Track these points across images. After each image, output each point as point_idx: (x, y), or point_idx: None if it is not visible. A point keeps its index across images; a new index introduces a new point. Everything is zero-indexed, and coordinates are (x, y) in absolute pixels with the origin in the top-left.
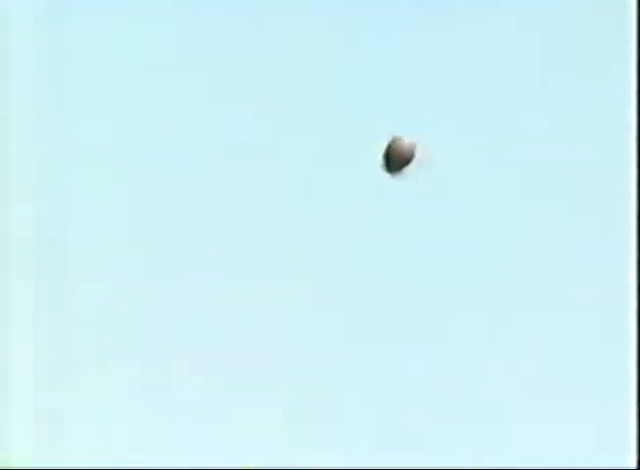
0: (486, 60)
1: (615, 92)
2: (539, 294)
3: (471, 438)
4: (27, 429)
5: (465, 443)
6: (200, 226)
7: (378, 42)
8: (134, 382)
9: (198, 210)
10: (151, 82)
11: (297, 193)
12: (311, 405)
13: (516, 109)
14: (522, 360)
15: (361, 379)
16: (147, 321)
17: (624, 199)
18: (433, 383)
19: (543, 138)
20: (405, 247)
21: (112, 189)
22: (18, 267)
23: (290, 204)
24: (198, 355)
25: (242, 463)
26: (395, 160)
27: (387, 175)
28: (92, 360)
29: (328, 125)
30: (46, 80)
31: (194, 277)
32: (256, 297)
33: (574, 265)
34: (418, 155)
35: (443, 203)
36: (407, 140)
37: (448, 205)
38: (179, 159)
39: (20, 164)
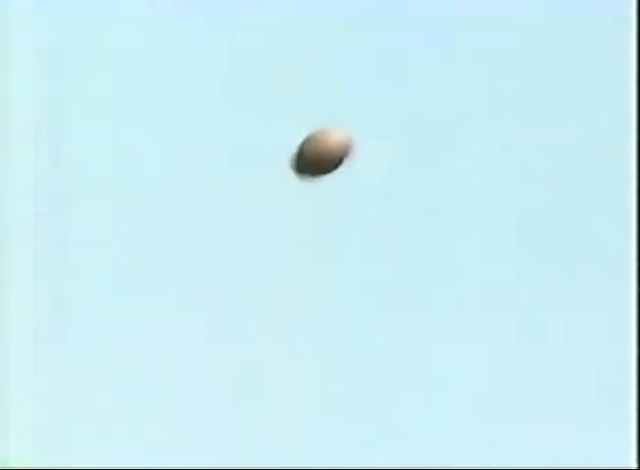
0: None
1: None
2: (537, 298)
3: (471, 439)
4: (27, 429)
5: (466, 443)
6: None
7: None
8: (135, 380)
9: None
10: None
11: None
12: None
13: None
14: (521, 361)
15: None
16: (142, 333)
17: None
18: (432, 381)
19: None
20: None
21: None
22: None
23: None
24: (198, 357)
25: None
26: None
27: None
28: (92, 358)
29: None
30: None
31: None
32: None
33: (572, 266)
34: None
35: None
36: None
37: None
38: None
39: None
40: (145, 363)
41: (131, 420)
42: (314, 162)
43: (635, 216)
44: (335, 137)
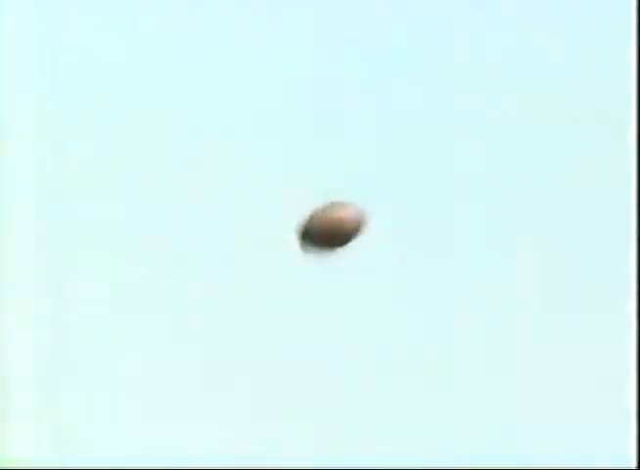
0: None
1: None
2: (536, 306)
3: (471, 438)
4: (27, 429)
5: (465, 443)
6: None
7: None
8: (137, 379)
9: None
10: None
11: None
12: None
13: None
14: (521, 360)
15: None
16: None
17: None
18: (435, 381)
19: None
20: None
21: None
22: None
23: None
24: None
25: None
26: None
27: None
28: (91, 358)
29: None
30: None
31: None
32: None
33: (571, 269)
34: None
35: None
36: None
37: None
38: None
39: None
40: (146, 359)
41: (132, 420)
42: (324, 234)
43: (635, 214)
44: (346, 212)
